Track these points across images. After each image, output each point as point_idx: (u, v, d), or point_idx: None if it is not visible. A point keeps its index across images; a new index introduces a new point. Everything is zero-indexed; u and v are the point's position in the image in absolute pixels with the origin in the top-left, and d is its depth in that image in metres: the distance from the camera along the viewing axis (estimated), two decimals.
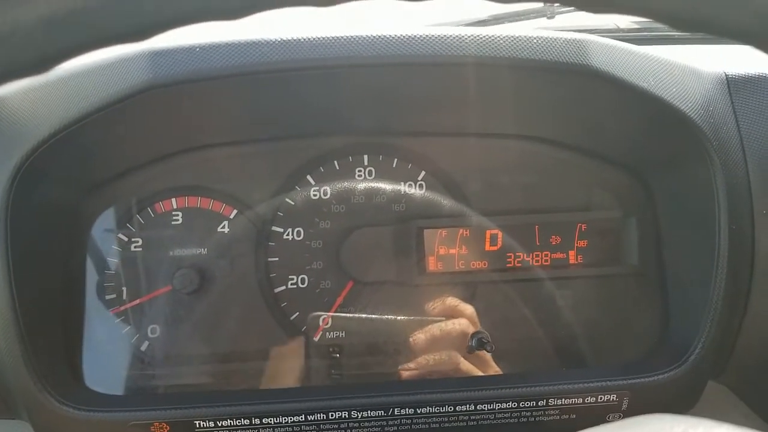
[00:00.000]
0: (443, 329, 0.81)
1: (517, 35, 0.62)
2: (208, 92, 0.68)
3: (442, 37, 0.62)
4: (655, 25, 1.19)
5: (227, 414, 0.69)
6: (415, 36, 0.62)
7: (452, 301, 0.83)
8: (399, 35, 0.62)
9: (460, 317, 0.81)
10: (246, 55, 0.61)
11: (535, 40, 0.63)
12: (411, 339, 0.81)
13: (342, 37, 0.61)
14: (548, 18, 1.18)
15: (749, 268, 0.74)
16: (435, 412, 0.72)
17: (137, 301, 0.81)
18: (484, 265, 0.85)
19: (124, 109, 0.64)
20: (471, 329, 0.81)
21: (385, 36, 0.62)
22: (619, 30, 1.16)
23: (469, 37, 0.62)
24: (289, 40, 0.61)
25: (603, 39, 0.67)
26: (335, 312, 0.83)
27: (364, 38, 0.62)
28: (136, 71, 0.62)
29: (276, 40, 0.61)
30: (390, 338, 0.83)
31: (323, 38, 0.61)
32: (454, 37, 0.62)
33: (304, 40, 0.61)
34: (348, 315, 0.83)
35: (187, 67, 0.61)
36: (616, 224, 0.87)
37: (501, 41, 0.62)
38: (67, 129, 0.63)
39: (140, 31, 0.30)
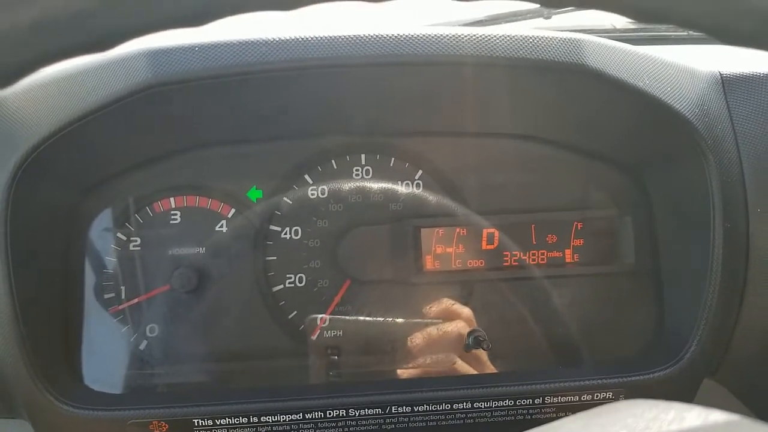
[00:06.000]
0: (440, 329, 0.81)
1: (513, 35, 0.63)
2: (207, 92, 0.68)
3: (439, 37, 0.62)
4: (651, 25, 1.20)
5: (226, 412, 0.70)
6: (412, 36, 0.62)
7: (449, 302, 0.83)
8: (397, 35, 0.62)
9: (457, 318, 0.82)
10: (245, 54, 0.61)
11: (531, 40, 0.63)
12: (408, 339, 0.82)
13: (339, 36, 0.62)
14: (545, 18, 1.19)
15: (744, 266, 0.74)
16: (432, 410, 0.73)
17: (135, 300, 0.81)
18: (481, 263, 0.85)
19: (124, 108, 0.64)
20: (467, 330, 0.81)
21: (383, 36, 0.62)
22: (615, 30, 1.16)
23: (465, 36, 0.62)
24: (287, 40, 0.61)
25: (598, 39, 0.67)
26: (333, 310, 0.84)
27: (362, 38, 0.62)
28: (136, 71, 0.62)
29: (274, 39, 0.61)
30: (387, 338, 0.83)
31: (320, 38, 0.62)
32: (451, 37, 0.62)
33: (302, 39, 0.62)
34: (345, 315, 0.83)
35: (187, 66, 0.61)
36: (612, 223, 0.87)
37: (497, 41, 0.62)
38: (67, 128, 0.63)
39: (103, 41, 0.30)
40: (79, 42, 0.29)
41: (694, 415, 0.32)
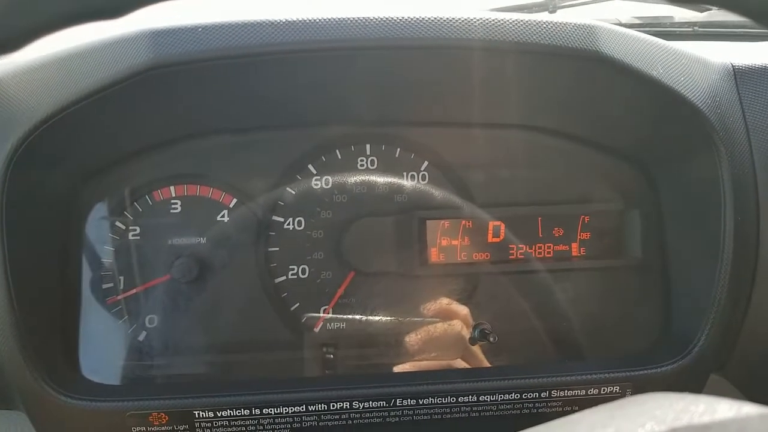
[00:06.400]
0: (443, 325, 0.80)
1: (525, 19, 0.62)
2: (210, 76, 0.67)
3: (449, 20, 0.61)
4: (658, 20, 1.20)
5: (227, 404, 0.68)
6: (422, 18, 0.61)
7: (447, 301, 0.82)
8: (407, 17, 0.61)
9: (456, 318, 0.81)
10: (249, 35, 0.59)
11: (543, 24, 0.62)
12: (411, 335, 0.80)
13: (347, 18, 0.60)
14: (550, 12, 1.18)
15: (753, 260, 0.74)
16: (437, 403, 0.72)
17: (134, 291, 0.80)
18: (487, 256, 0.84)
19: (124, 92, 0.63)
20: (467, 329, 0.80)
21: (392, 18, 0.61)
22: (621, 25, 1.15)
23: (476, 20, 0.61)
24: (292, 21, 0.60)
25: (613, 26, 0.66)
26: (336, 302, 0.82)
27: (371, 20, 0.60)
28: (137, 51, 0.60)
29: (279, 20, 0.60)
30: (390, 331, 0.82)
31: (328, 19, 0.60)
32: (461, 20, 0.61)
33: (309, 21, 0.60)
34: (349, 307, 0.82)
35: (189, 47, 0.60)
36: (619, 216, 0.86)
37: (509, 25, 0.61)
38: (65, 110, 0.62)
39: (115, 6, 0.29)
40: (92, 5, 0.28)
41: (726, 407, 0.31)
